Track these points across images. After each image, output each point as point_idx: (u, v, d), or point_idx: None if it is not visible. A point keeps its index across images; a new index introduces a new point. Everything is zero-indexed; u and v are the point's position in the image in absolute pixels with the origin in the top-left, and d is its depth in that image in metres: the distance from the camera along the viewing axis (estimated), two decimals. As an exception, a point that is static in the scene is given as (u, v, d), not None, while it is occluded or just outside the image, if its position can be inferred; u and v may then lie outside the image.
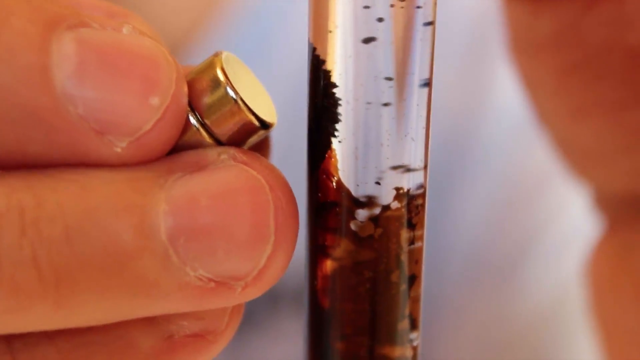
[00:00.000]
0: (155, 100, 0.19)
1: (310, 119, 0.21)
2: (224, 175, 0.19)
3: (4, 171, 0.19)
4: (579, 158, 0.30)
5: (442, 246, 0.47)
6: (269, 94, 0.21)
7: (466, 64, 0.46)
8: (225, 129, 0.20)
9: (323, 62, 0.20)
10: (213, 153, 0.20)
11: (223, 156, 0.20)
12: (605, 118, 0.28)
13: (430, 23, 0.20)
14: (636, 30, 0.27)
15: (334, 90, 0.20)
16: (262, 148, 0.22)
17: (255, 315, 0.47)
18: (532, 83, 0.29)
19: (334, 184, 0.20)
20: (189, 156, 0.20)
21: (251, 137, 0.20)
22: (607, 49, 0.27)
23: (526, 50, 0.28)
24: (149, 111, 0.19)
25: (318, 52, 0.20)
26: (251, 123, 0.20)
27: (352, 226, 0.20)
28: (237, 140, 0.20)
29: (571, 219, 0.48)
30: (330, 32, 0.20)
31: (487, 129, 0.48)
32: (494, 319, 0.49)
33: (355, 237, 0.20)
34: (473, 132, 0.48)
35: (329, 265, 0.21)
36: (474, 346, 0.49)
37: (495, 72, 0.47)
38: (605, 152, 0.29)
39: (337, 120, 0.20)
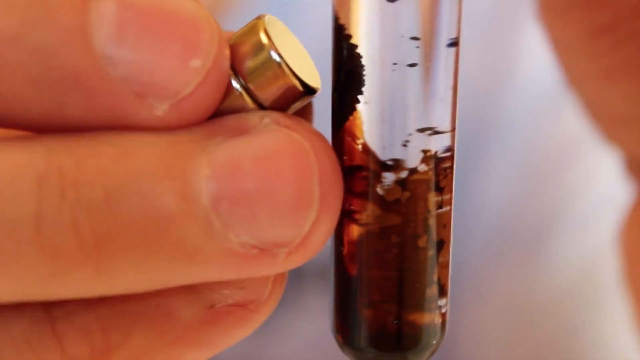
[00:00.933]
0: (196, 63, 0.18)
1: (334, 82, 0.20)
2: (267, 139, 0.19)
3: (44, 134, 0.19)
4: (609, 122, 0.30)
5: (469, 217, 0.47)
6: None
7: (494, 29, 0.46)
8: (268, 94, 0.19)
9: (347, 22, 0.19)
10: (255, 117, 0.19)
11: (266, 120, 0.19)
12: (636, 80, 0.28)
13: None
14: None
15: (359, 51, 0.19)
16: (304, 113, 0.21)
17: None
18: (562, 44, 0.28)
19: (360, 147, 0.20)
20: (231, 120, 0.19)
21: (295, 102, 0.20)
22: (638, 10, 0.27)
23: (555, 11, 0.27)
24: (190, 74, 0.18)
25: (342, 12, 0.20)
26: (295, 87, 0.19)
27: (379, 190, 0.20)
28: (281, 105, 0.20)
29: (601, 188, 0.47)
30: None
31: (515, 97, 0.47)
32: (520, 291, 0.48)
33: (382, 201, 0.20)
34: (501, 100, 0.47)
35: (355, 230, 0.20)
36: (500, 318, 0.48)
37: (523, 38, 0.47)
38: (636, 116, 0.29)
39: (362, 82, 0.19)
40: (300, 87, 0.20)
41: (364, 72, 0.19)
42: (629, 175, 0.32)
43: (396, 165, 0.20)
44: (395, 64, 0.19)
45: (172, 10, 0.18)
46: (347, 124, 0.20)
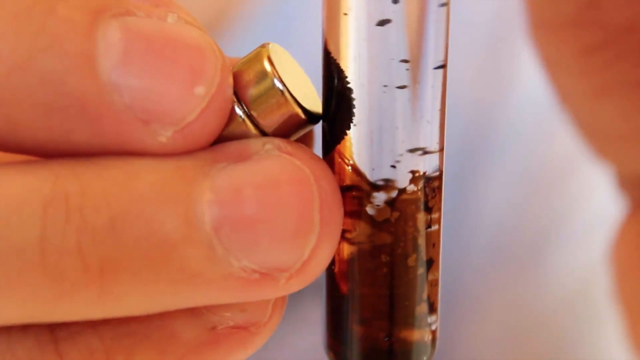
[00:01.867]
0: (200, 90, 0.19)
1: (324, 105, 0.21)
2: (269, 165, 0.19)
3: (50, 159, 0.19)
4: (601, 139, 0.30)
5: (465, 232, 0.47)
6: None
7: (493, 44, 0.46)
8: (271, 121, 0.20)
9: (336, 45, 0.20)
10: (258, 143, 0.20)
11: (268, 146, 0.19)
12: (628, 98, 0.28)
13: (445, 4, 0.20)
14: None
15: (348, 73, 0.20)
16: (306, 139, 0.21)
17: None
18: (554, 63, 0.28)
19: (350, 167, 0.20)
20: (234, 146, 0.20)
21: (297, 129, 0.20)
22: (629, 29, 0.27)
23: (547, 31, 0.27)
24: (194, 100, 0.19)
25: (331, 36, 0.20)
26: (297, 115, 0.20)
27: (369, 210, 0.20)
28: (283, 132, 0.20)
29: (595, 204, 0.47)
30: (345, 14, 0.20)
31: (511, 115, 0.48)
32: (516, 304, 0.49)
33: (372, 221, 0.20)
34: (496, 118, 0.48)
35: (346, 249, 0.21)
36: (496, 331, 0.48)
37: (518, 58, 0.47)
38: (627, 133, 0.29)
39: (352, 104, 0.20)
40: (302, 115, 0.20)
41: (352, 95, 0.20)
42: (621, 191, 0.32)
43: (385, 185, 0.20)
44: (385, 86, 0.20)
45: (177, 37, 0.19)
46: (338, 145, 0.20)
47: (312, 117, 0.20)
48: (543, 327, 0.48)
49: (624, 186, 0.32)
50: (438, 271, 0.21)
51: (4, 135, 0.19)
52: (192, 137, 0.19)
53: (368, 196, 0.20)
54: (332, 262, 0.21)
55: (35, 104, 0.18)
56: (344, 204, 0.20)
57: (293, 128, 0.20)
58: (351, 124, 0.20)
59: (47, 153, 0.19)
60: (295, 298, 0.49)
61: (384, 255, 0.20)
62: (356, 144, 0.20)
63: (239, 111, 0.20)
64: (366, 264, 0.21)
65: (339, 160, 0.20)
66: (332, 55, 0.20)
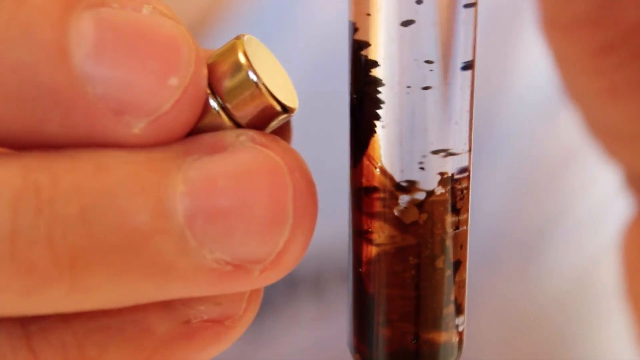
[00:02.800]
0: (174, 81, 0.19)
1: (352, 105, 0.21)
2: (242, 156, 0.19)
3: (21, 152, 0.19)
4: (611, 138, 0.30)
5: None
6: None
7: (490, 39, 0.46)
8: (245, 113, 0.20)
9: (364, 46, 0.20)
10: (232, 135, 0.19)
11: (242, 138, 0.19)
12: (638, 98, 0.28)
13: (471, 5, 0.20)
14: None
15: (376, 75, 0.20)
16: (283, 131, 0.21)
17: (272, 299, 0.47)
18: (566, 61, 0.28)
19: (377, 169, 0.20)
20: (207, 138, 0.19)
21: (272, 121, 0.20)
22: None
23: (560, 29, 0.27)
24: (168, 92, 0.19)
25: (358, 36, 0.20)
26: (272, 107, 0.20)
27: (396, 212, 0.20)
28: (258, 124, 0.20)
29: (596, 196, 0.48)
30: (370, 15, 0.20)
31: (512, 104, 0.48)
32: (515, 298, 0.49)
33: (399, 223, 0.20)
34: (497, 107, 0.48)
35: (373, 251, 0.21)
36: (495, 326, 0.49)
37: (520, 44, 0.47)
38: (637, 133, 0.29)
39: (379, 106, 0.20)
40: (277, 107, 0.20)
41: (380, 96, 0.20)
42: (629, 191, 0.32)
43: (413, 187, 0.20)
44: (412, 87, 0.20)
45: (150, 28, 0.19)
46: (365, 146, 0.20)
47: (286, 109, 0.20)
48: (543, 321, 0.49)
49: (632, 186, 0.32)
50: (465, 272, 0.21)
51: None
52: (165, 128, 0.19)
53: (395, 198, 0.20)
54: (359, 264, 0.21)
55: (6, 94, 0.18)
56: (370, 205, 0.20)
57: (268, 120, 0.20)
58: (379, 125, 0.20)
59: (18, 145, 0.19)
60: (290, 294, 0.49)
61: (412, 257, 0.20)
62: (385, 145, 0.20)
63: (213, 103, 0.20)
64: (393, 265, 0.20)
65: (367, 162, 0.20)
66: (359, 55, 0.20)
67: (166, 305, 0.20)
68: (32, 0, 0.18)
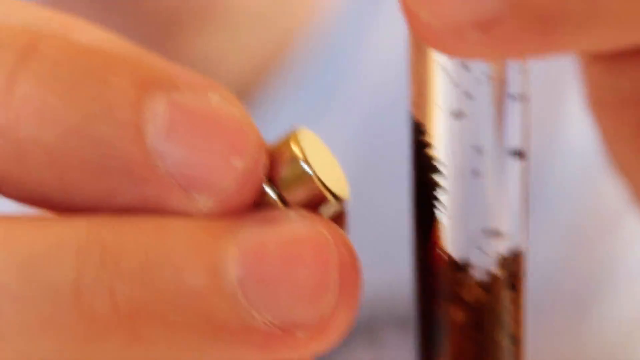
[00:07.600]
0: (239, 164, 0.20)
1: (412, 190, 0.22)
2: (291, 227, 0.20)
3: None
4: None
5: None
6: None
7: (540, 94, 0.47)
8: (298, 200, 0.21)
9: (423, 134, 0.21)
10: (283, 211, 0.21)
11: (292, 214, 0.21)
12: None
13: (519, 98, 0.21)
14: None
15: (435, 162, 0.21)
16: (338, 219, 0.22)
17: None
18: (612, 138, 0.29)
19: (438, 251, 0.22)
20: (261, 212, 0.21)
21: (322, 207, 0.21)
22: None
23: (607, 108, 0.28)
24: (233, 173, 0.20)
25: (418, 124, 0.21)
26: (325, 198, 0.21)
27: (458, 291, 0.22)
28: (308, 209, 0.21)
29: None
30: (428, 106, 0.21)
31: (563, 158, 0.48)
32: (568, 353, 0.49)
33: (461, 301, 0.22)
34: (546, 164, 0.48)
35: (435, 328, 0.22)
36: None
37: (565, 108, 0.48)
38: None
39: (438, 192, 0.21)
40: (330, 198, 0.21)
41: (440, 182, 0.21)
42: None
43: (472, 267, 0.22)
44: (469, 173, 0.21)
45: (219, 113, 0.20)
46: (430, 232, 0.22)
47: (338, 199, 0.21)
48: None
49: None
50: (523, 346, 0.22)
51: (55, 194, 0.20)
52: (224, 207, 0.20)
53: (456, 278, 0.22)
54: (424, 339, 0.22)
55: (86, 165, 0.20)
56: (433, 286, 0.22)
57: (318, 206, 0.21)
58: (439, 210, 0.21)
59: (90, 211, 0.20)
60: (344, 342, 0.49)
61: (473, 332, 0.22)
62: (444, 228, 0.22)
63: (268, 190, 0.21)
64: (457, 343, 0.22)
65: (428, 245, 0.22)
66: (420, 143, 0.21)
67: None
68: (113, 80, 0.20)
